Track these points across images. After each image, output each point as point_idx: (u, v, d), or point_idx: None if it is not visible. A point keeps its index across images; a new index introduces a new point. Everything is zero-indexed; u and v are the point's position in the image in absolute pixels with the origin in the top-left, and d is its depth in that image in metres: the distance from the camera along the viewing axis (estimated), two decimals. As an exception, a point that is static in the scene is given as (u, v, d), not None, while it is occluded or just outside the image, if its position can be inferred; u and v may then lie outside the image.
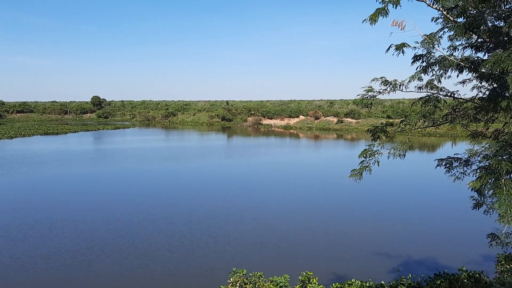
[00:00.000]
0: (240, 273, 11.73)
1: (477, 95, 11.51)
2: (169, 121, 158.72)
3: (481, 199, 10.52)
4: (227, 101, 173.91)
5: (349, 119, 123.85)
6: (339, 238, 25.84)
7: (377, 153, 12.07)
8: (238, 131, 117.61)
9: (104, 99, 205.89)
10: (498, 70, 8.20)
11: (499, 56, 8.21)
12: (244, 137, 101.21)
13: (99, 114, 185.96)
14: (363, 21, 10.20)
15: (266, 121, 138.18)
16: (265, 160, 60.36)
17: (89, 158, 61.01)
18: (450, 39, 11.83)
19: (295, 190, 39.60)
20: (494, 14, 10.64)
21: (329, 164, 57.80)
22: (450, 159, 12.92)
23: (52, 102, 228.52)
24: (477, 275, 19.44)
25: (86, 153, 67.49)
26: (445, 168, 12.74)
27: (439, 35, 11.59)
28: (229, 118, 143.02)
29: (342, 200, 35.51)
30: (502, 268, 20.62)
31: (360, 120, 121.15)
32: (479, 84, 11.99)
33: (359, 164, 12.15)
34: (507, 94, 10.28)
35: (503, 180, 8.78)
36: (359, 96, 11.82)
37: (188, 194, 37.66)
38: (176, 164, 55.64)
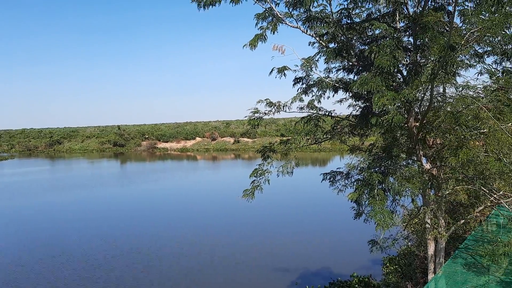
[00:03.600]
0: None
1: (351, 113, 12.60)
2: (54, 149, 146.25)
3: (359, 209, 11.43)
4: (118, 126, 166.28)
5: (246, 139, 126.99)
6: (237, 259, 25.91)
7: (267, 172, 12.48)
8: (132, 157, 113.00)
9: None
10: (364, 90, 9.08)
11: (364, 78, 9.12)
12: (138, 163, 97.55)
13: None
14: (244, 46, 10.59)
15: (161, 145, 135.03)
16: (160, 186, 58.68)
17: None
18: (326, 62, 12.85)
19: (188, 214, 38.97)
20: (361, 40, 11.82)
21: (226, 184, 58.21)
22: (333, 173, 13.83)
23: None
24: (366, 279, 21.04)
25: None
26: (329, 181, 13.61)
27: (316, 59, 12.52)
28: (121, 144, 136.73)
29: (236, 220, 35.82)
30: (387, 270, 22.58)
31: (256, 139, 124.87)
32: (354, 103, 13.16)
33: (251, 184, 12.44)
34: (376, 112, 11.39)
35: (376, 190, 9.65)
36: (247, 117, 12.18)
37: (70, 228, 34.79)
38: (58, 197, 51.13)
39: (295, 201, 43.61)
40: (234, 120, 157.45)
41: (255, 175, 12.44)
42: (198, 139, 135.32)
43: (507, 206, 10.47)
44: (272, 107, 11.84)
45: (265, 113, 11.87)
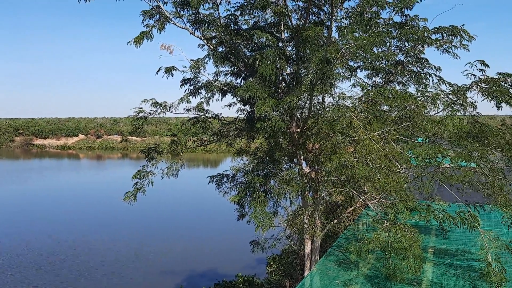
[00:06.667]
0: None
1: (237, 117, 12.85)
2: None
3: (242, 211, 11.71)
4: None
5: (134, 138, 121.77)
6: (120, 263, 24.75)
7: (151, 174, 12.10)
8: (3, 154, 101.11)
9: None
10: (247, 95, 9.32)
11: (249, 84, 9.37)
12: (10, 160, 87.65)
13: None
14: (128, 43, 10.13)
15: (38, 141, 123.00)
16: (30, 187, 53.44)
17: None
18: (215, 65, 12.91)
19: (64, 217, 36.25)
20: (248, 47, 12.11)
21: (108, 184, 55.05)
22: (220, 176, 13.96)
23: None
24: (251, 278, 21.61)
25: None
26: (215, 184, 13.71)
27: (205, 61, 12.50)
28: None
29: (118, 223, 34.24)
30: (271, 269, 23.50)
31: (145, 138, 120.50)
32: (242, 107, 13.44)
33: (133, 186, 11.94)
34: (261, 117, 11.77)
35: (257, 193, 9.98)
36: (131, 117, 11.70)
37: None
38: None
39: (182, 203, 43.09)
40: (123, 118, 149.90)
41: (138, 176, 11.99)
42: (81, 136, 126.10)
43: (372, 207, 11.60)
44: (158, 107, 11.54)
45: (150, 113, 11.53)
